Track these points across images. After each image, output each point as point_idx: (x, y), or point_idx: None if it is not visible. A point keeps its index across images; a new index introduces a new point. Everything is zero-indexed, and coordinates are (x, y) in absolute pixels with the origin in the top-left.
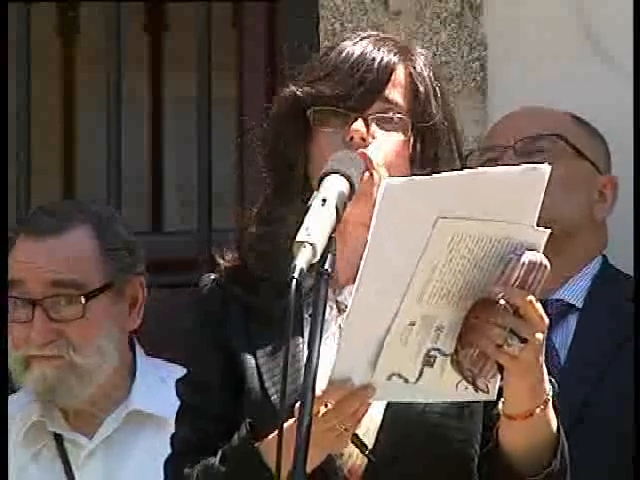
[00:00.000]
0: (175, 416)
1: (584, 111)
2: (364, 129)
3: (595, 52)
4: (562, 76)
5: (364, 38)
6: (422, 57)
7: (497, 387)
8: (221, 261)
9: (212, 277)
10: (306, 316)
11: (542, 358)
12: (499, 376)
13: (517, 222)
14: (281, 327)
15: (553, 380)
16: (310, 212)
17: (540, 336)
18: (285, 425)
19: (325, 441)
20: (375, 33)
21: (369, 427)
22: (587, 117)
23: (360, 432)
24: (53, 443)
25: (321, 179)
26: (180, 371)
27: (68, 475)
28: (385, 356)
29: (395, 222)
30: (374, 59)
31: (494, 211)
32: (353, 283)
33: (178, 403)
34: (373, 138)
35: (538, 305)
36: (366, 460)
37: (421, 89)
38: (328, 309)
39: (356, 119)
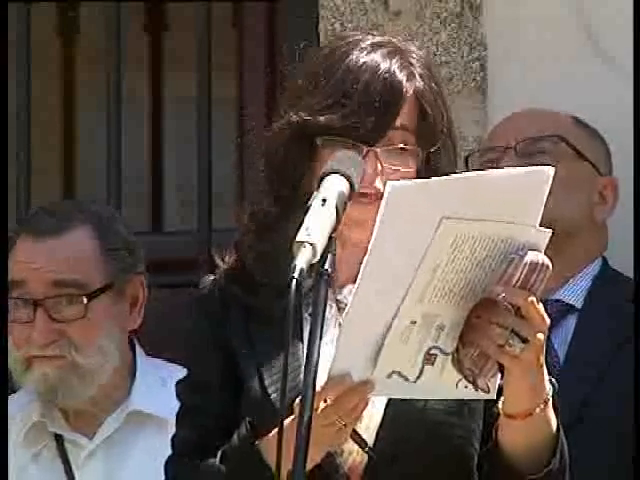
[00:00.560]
0: (175, 418)
1: (584, 111)
2: (376, 166)
3: (595, 52)
4: (562, 76)
5: (370, 52)
6: (422, 61)
7: (497, 386)
8: (220, 263)
9: (211, 278)
10: (306, 315)
11: (543, 358)
12: (499, 375)
13: (520, 223)
14: (281, 327)
15: (553, 380)
16: (310, 212)
17: (541, 336)
18: (285, 423)
19: (324, 437)
20: (378, 41)
21: (369, 425)
22: (587, 117)
23: (360, 429)
24: (53, 443)
25: (321, 179)
26: (180, 371)
27: (68, 475)
28: (385, 354)
29: (399, 223)
30: (385, 85)
31: (497, 212)
32: (353, 282)
33: (178, 404)
34: (383, 175)
35: (539, 305)
36: (366, 458)
37: (428, 110)
38: (328, 308)
39: (367, 152)
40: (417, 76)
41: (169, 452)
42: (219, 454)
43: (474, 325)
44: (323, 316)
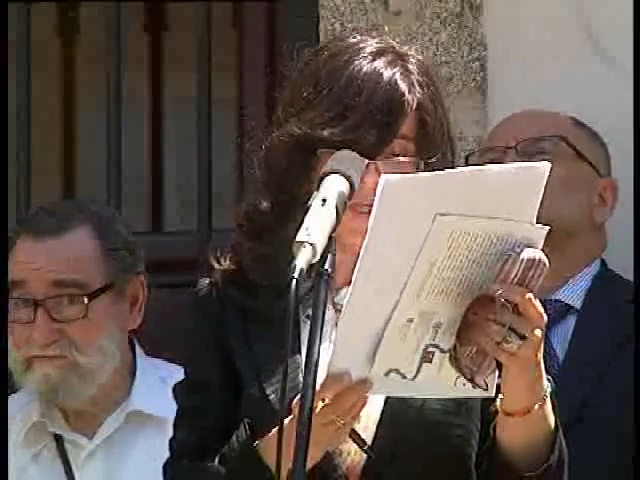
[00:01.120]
0: (173, 421)
1: (584, 111)
2: (377, 179)
3: (595, 52)
4: (562, 76)
5: (371, 61)
6: (421, 68)
7: (495, 384)
8: (217, 265)
9: (208, 281)
10: (303, 317)
11: (540, 355)
12: (497, 372)
13: (516, 219)
14: (280, 328)
15: (550, 378)
16: (310, 212)
17: (539, 333)
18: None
19: (323, 436)
20: (379, 48)
21: (367, 424)
22: (587, 117)
23: (359, 429)
24: (53, 444)
25: (321, 179)
26: (180, 371)
27: (68, 475)
28: (383, 352)
29: (393, 219)
30: (387, 99)
31: (493, 208)
32: (350, 285)
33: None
34: None
35: (537, 302)
36: (364, 457)
37: (428, 120)
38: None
39: (368, 165)
40: (417, 86)
41: (169, 452)
42: (218, 456)
43: (471, 322)
44: (323, 316)
